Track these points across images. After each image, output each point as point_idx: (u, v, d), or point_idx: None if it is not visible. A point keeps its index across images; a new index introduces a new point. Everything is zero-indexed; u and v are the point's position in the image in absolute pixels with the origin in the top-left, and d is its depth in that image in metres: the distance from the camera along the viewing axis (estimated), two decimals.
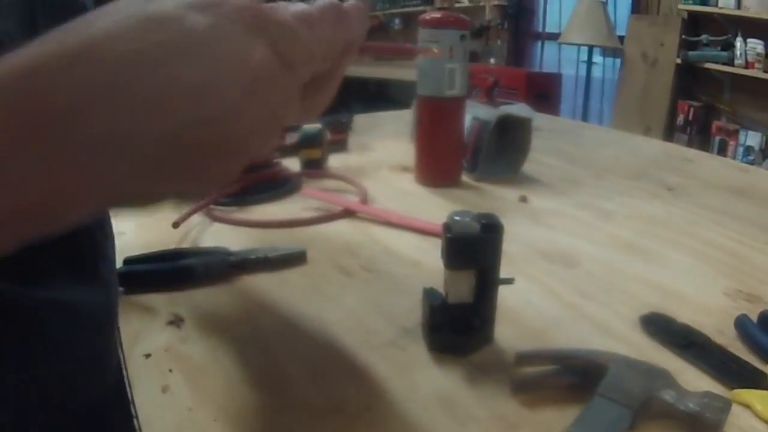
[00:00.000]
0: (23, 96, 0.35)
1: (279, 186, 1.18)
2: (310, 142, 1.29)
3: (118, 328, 0.76)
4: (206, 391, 0.61)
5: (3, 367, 0.55)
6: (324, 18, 0.52)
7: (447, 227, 0.60)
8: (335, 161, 1.36)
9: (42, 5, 0.57)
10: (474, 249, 0.60)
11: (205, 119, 0.39)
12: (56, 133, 0.36)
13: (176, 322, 0.74)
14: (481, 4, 5.40)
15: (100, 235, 0.64)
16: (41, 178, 0.36)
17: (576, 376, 0.58)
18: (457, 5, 5.78)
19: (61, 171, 0.36)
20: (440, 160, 1.21)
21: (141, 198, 0.43)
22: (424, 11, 4.20)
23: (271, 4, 0.44)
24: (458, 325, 0.63)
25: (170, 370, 0.65)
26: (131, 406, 0.76)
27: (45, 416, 0.59)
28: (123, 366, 0.70)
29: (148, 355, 0.69)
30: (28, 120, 0.35)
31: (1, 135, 0.34)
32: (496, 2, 5.37)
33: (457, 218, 0.60)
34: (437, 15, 1.15)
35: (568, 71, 5.47)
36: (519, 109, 1.69)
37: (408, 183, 1.23)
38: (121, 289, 0.83)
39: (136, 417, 0.63)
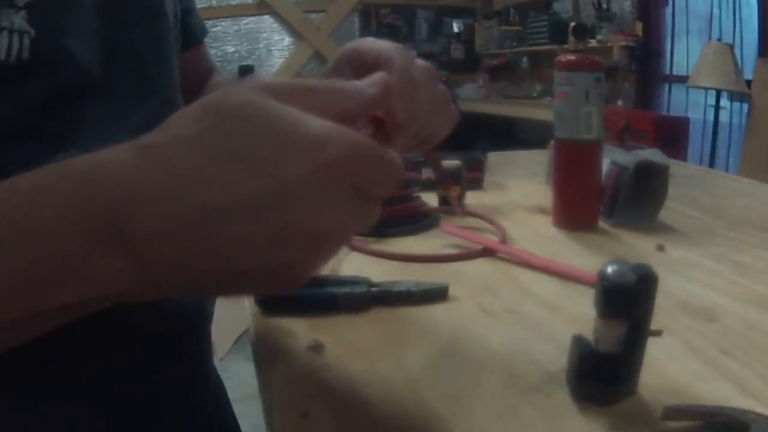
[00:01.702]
0: (107, 216, 0.43)
1: (417, 221, 1.20)
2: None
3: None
4: (348, 420, 0.62)
5: (91, 356, 0.66)
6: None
7: (603, 276, 0.59)
8: (471, 199, 1.37)
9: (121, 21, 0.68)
10: (629, 299, 0.59)
11: (258, 267, 0.45)
12: (129, 246, 0.43)
13: (317, 347, 0.75)
14: (609, 44, 5.34)
15: None
16: (114, 282, 0.45)
17: None
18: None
19: (133, 280, 0.45)
20: (578, 204, 1.21)
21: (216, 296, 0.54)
22: (552, 50, 4.18)
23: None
24: (605, 375, 0.62)
25: (311, 396, 0.66)
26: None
27: (130, 403, 0.70)
28: (260, 387, 0.72)
29: (289, 380, 0.70)
30: (110, 237, 0.43)
31: (86, 247, 0.43)
32: (623, 43, 5.30)
33: (614, 267, 0.59)
34: (572, 57, 1.15)
35: (694, 115, 5.35)
36: (652, 154, 1.66)
37: (544, 225, 1.23)
38: (258, 310, 0.85)
39: None
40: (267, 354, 0.76)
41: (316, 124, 0.44)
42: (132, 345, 0.70)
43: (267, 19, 6.93)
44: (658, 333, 0.62)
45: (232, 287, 0.49)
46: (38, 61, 0.57)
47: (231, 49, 6.81)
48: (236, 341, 3.11)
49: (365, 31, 7.10)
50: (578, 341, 0.64)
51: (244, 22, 6.88)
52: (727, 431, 0.56)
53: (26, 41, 0.56)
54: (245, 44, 6.89)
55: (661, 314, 0.78)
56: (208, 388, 0.91)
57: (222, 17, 6.72)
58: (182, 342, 0.79)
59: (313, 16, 6.98)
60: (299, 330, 0.80)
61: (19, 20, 0.56)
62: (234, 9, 6.79)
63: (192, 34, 0.97)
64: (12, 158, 0.48)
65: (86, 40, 0.63)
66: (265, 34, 6.97)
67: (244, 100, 0.45)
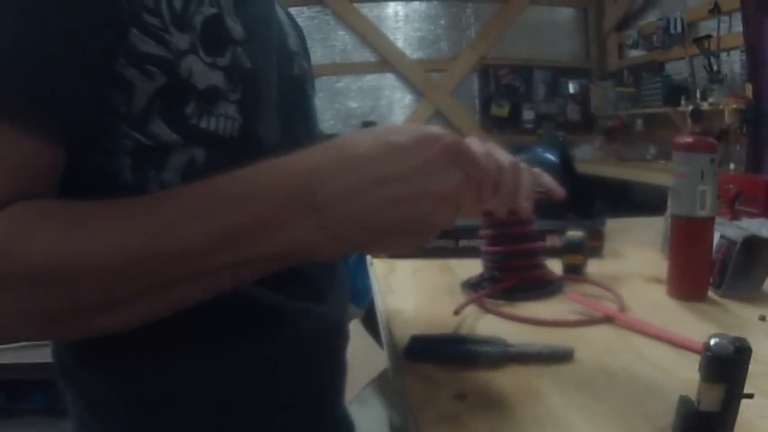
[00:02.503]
0: (304, 186, 0.68)
1: (544, 287, 1.33)
2: (573, 248, 1.43)
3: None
4: None
5: (252, 359, 0.88)
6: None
7: (707, 347, 0.72)
8: (592, 266, 1.48)
9: (288, 108, 0.95)
10: (727, 367, 0.71)
11: (409, 219, 0.68)
12: (319, 210, 0.67)
13: (461, 396, 0.88)
14: (720, 107, 5.28)
15: (327, 274, 1.01)
16: (305, 236, 0.68)
17: None
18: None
19: (319, 235, 0.68)
20: (690, 276, 1.31)
21: (370, 252, 0.93)
22: (665, 113, 4.23)
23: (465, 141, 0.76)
24: (705, 430, 0.74)
25: None
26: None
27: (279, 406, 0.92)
28: (413, 427, 0.86)
29: (438, 420, 0.83)
30: (306, 201, 0.67)
31: (289, 208, 0.68)
32: (734, 105, 5.23)
33: (716, 340, 0.72)
34: (689, 140, 1.26)
35: None
36: (761, 225, 1.73)
37: (659, 294, 1.33)
38: (405, 360, 1.00)
39: None
40: (417, 397, 0.89)
41: (431, 126, 0.72)
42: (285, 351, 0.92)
43: (389, 77, 7.09)
44: (750, 396, 0.73)
45: (390, 239, 0.71)
46: (242, 140, 0.83)
47: (354, 104, 7.01)
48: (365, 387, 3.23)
49: (484, 91, 7.19)
50: (684, 401, 0.75)
51: (367, 78, 7.07)
52: None
53: (236, 125, 0.83)
54: (367, 101, 7.07)
55: (757, 379, 0.86)
56: (338, 419, 1.07)
57: (345, 73, 6.93)
58: (322, 353, 1.00)
59: (434, 75, 7.10)
60: (444, 380, 0.93)
61: (232, 110, 0.83)
62: (357, 66, 6.99)
63: None
64: None
65: (270, 128, 0.88)
66: (386, 92, 7.12)
67: (388, 123, 0.87)
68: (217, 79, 0.81)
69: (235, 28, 0.85)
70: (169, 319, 0.73)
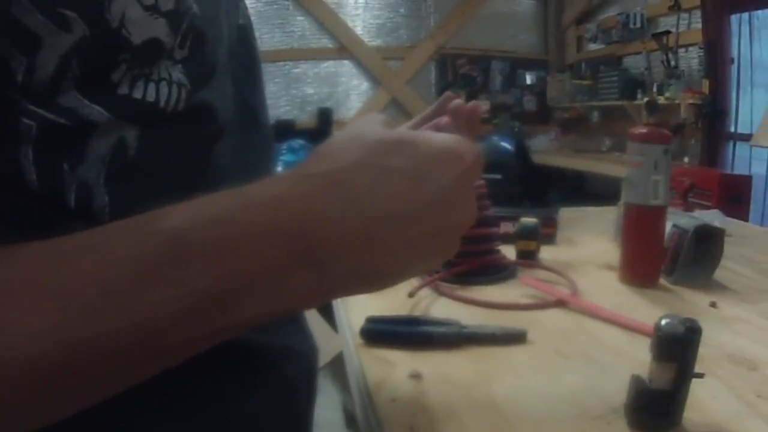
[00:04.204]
0: (296, 232, 0.50)
1: (497, 271, 1.34)
2: (527, 234, 1.44)
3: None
4: None
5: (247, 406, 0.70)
6: None
7: (658, 327, 0.73)
8: (545, 253, 1.51)
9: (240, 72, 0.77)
10: (678, 346, 0.73)
11: (420, 259, 0.55)
12: (319, 263, 0.51)
13: (417, 376, 0.89)
14: (677, 101, 5.33)
15: None
16: (299, 294, 0.52)
17: None
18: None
19: (316, 290, 0.53)
20: (642, 263, 1.33)
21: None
22: (621, 105, 4.31)
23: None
24: (656, 408, 0.75)
25: (414, 414, 0.80)
26: None
27: None
28: (369, 407, 0.86)
29: (394, 400, 0.84)
30: (302, 252, 0.50)
31: (280, 258, 0.50)
32: (691, 101, 5.28)
33: (667, 320, 0.73)
34: (644, 130, 1.28)
35: (757, 170, 5.27)
36: (713, 216, 1.76)
37: (611, 280, 1.35)
38: (361, 341, 1.00)
39: None
40: (372, 378, 0.90)
41: (449, 138, 0.56)
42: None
43: (347, 64, 7.10)
44: (700, 375, 0.75)
45: (393, 281, 0.57)
46: (190, 113, 0.62)
47: (310, 90, 6.99)
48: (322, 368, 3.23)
49: (441, 80, 7.23)
50: (635, 380, 0.77)
51: (324, 65, 7.06)
52: None
53: (183, 93, 0.61)
54: (324, 87, 7.05)
55: (709, 362, 0.90)
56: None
57: (303, 59, 6.92)
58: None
59: (392, 63, 7.11)
60: (399, 361, 0.94)
61: (177, 73, 0.60)
62: (315, 52, 6.98)
63: None
64: (148, 195, 0.53)
65: (223, 96, 0.69)
66: (344, 79, 7.13)
67: (387, 132, 0.56)
68: (158, 29, 0.59)
69: None
70: None
